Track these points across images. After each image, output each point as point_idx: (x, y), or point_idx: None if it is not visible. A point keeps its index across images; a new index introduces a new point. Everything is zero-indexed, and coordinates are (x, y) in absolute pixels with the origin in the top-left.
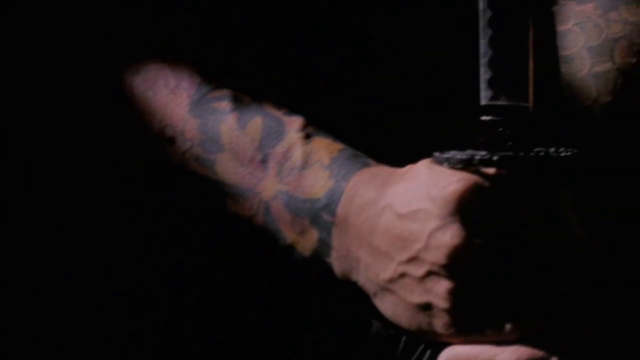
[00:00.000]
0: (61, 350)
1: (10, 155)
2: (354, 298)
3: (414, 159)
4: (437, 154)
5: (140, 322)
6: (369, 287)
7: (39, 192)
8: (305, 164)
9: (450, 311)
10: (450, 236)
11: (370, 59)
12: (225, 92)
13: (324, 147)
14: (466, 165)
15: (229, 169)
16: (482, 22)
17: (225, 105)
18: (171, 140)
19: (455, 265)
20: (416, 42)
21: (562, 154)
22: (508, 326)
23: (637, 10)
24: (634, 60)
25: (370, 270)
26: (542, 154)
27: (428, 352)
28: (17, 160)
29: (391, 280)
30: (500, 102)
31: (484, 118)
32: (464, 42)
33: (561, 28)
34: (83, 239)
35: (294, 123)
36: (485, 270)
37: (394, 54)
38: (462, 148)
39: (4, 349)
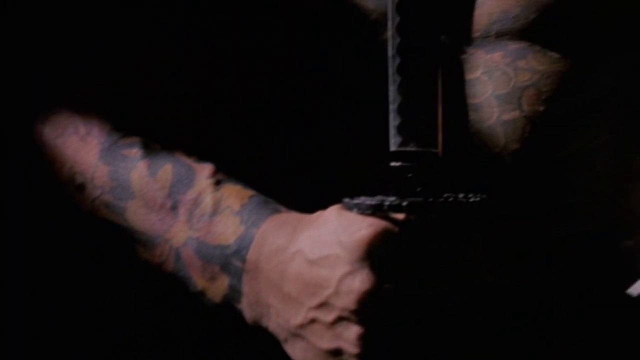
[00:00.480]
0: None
1: None
2: None
3: (324, 205)
4: (346, 199)
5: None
6: (280, 333)
7: None
8: (215, 211)
9: (360, 356)
10: (360, 281)
11: (275, 105)
12: (136, 140)
13: (235, 194)
14: (375, 211)
15: (140, 216)
16: (391, 69)
17: (135, 152)
18: (81, 187)
19: (365, 311)
20: (322, 87)
21: (471, 200)
22: None
23: (544, 58)
24: (541, 108)
25: (281, 316)
26: (451, 199)
27: None
28: None
29: (301, 326)
30: (409, 148)
31: (393, 164)
32: (373, 88)
33: (470, 76)
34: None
35: (204, 170)
36: (396, 315)
37: (301, 99)
38: (371, 194)
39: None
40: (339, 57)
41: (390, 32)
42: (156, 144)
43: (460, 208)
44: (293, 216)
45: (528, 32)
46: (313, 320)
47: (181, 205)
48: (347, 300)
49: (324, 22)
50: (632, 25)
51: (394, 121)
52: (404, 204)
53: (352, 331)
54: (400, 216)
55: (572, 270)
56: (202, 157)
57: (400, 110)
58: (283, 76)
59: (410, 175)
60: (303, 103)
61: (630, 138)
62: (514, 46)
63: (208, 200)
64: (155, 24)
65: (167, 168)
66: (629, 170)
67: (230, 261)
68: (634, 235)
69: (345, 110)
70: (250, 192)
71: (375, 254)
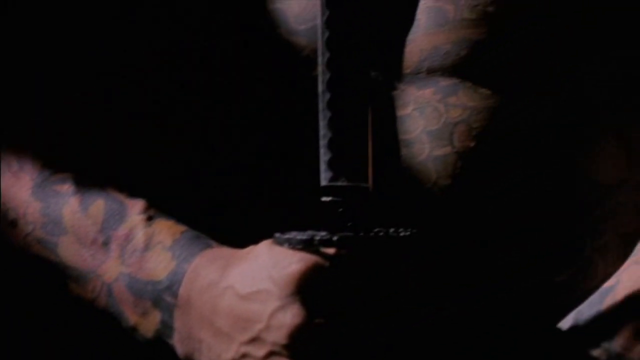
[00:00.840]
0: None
1: None
2: None
3: (255, 240)
4: (277, 234)
5: None
6: None
7: None
8: (147, 246)
9: None
10: (291, 316)
11: (208, 140)
12: (68, 175)
13: (166, 229)
14: (306, 246)
15: (71, 252)
16: (321, 104)
17: (67, 188)
18: (13, 223)
19: (296, 345)
20: (255, 122)
21: (402, 234)
22: None
23: (475, 95)
24: (472, 144)
25: (213, 352)
26: (381, 234)
27: None
28: None
29: None
30: (340, 183)
31: (324, 199)
32: (304, 123)
33: (401, 112)
34: None
35: (136, 206)
36: (327, 350)
37: (234, 134)
38: (302, 229)
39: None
40: (272, 92)
41: (320, 68)
42: (88, 179)
43: (391, 243)
44: (225, 251)
45: (459, 69)
46: (244, 355)
47: (113, 241)
48: (278, 335)
49: (257, 59)
50: (561, 61)
51: (324, 156)
52: (335, 238)
53: None
54: (331, 251)
55: (505, 304)
56: (135, 193)
57: (330, 146)
58: (218, 109)
59: (340, 210)
60: (234, 139)
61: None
62: (445, 82)
63: (140, 235)
64: (88, 57)
65: (99, 204)
66: None
67: (162, 296)
68: (565, 270)
69: (276, 146)
70: (182, 227)
71: (306, 288)
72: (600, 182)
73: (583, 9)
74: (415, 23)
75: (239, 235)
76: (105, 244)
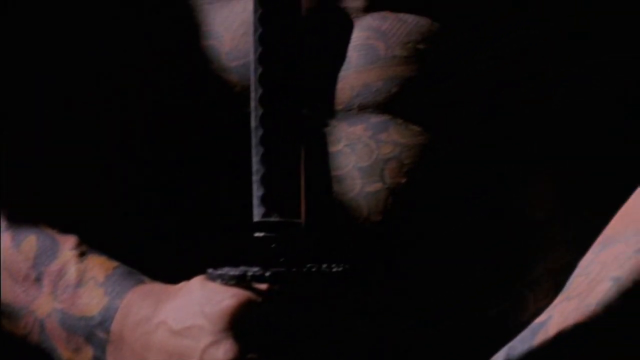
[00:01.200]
0: None
1: None
2: None
3: (188, 276)
4: (210, 270)
5: None
6: None
7: None
8: (79, 282)
9: None
10: (223, 352)
11: (141, 174)
12: None
13: (99, 265)
14: (239, 282)
15: (4, 288)
16: (254, 140)
17: None
18: None
19: None
20: (188, 157)
21: (334, 270)
22: None
23: (406, 131)
24: (403, 180)
25: None
26: (314, 269)
27: None
28: None
29: None
30: (272, 219)
31: (257, 235)
32: (237, 158)
33: (332, 149)
34: None
35: (68, 241)
36: None
37: (166, 169)
38: (235, 264)
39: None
40: (206, 129)
41: (253, 104)
42: (20, 215)
43: (323, 278)
44: (157, 287)
45: (390, 106)
46: None
47: (45, 277)
48: None
49: (190, 96)
50: (491, 98)
51: (257, 192)
52: (267, 274)
53: None
54: (263, 286)
55: (438, 338)
56: (67, 229)
57: (263, 181)
58: (152, 146)
59: (273, 245)
60: (168, 174)
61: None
62: (376, 119)
63: (72, 271)
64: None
65: (31, 239)
66: None
67: (95, 332)
68: (497, 305)
69: (209, 182)
70: (114, 263)
71: (238, 324)
72: (530, 218)
73: (513, 50)
74: (347, 60)
75: (172, 271)
76: (38, 279)
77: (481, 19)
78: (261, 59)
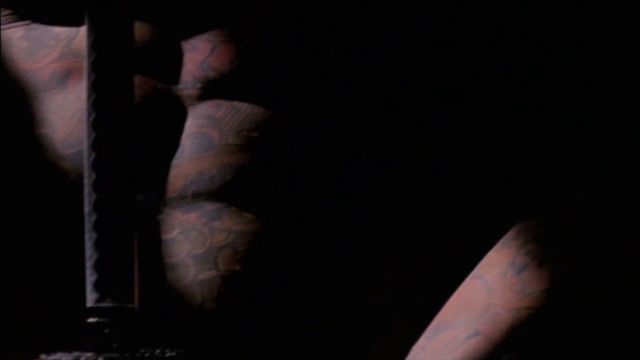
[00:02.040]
0: None
1: None
2: None
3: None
4: (44, 356)
5: None
6: None
7: None
8: None
9: None
10: None
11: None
12: None
13: None
14: None
15: None
16: (87, 225)
17: None
18: None
19: None
20: (21, 241)
21: (167, 355)
22: None
23: (240, 219)
24: (237, 267)
25: None
26: (147, 355)
27: None
28: None
29: None
30: (106, 304)
31: (90, 320)
32: (72, 244)
33: (166, 236)
34: None
35: None
36: None
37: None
38: (69, 350)
39: None
40: (41, 214)
41: (86, 189)
42: None
43: None
44: None
45: (224, 194)
46: None
47: None
48: None
49: (25, 183)
50: (324, 185)
51: (90, 277)
52: (100, 359)
53: None
54: None
55: None
56: None
57: (96, 267)
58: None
59: (107, 330)
60: (4, 257)
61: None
62: (210, 207)
63: None
64: None
65: None
66: None
67: None
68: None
69: (43, 266)
70: None
71: None
72: (366, 303)
73: (343, 135)
74: (181, 148)
75: (6, 356)
76: None
77: (312, 108)
78: (94, 145)
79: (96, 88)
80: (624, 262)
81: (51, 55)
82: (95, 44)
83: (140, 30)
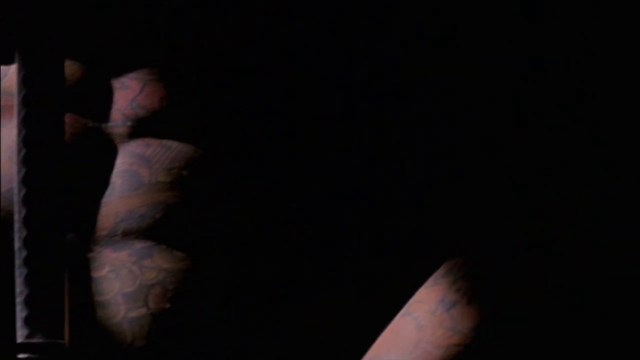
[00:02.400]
0: None
1: None
2: None
3: None
4: None
5: None
6: None
7: None
8: None
9: None
10: None
11: None
12: None
13: None
14: None
15: None
16: (17, 261)
17: None
18: None
19: None
20: None
21: None
22: None
23: (170, 257)
24: (167, 305)
25: None
26: None
27: None
28: None
29: None
30: (36, 340)
31: (20, 356)
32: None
33: (97, 274)
34: None
35: None
36: None
37: None
38: None
39: None
40: None
41: (16, 226)
42: None
43: None
44: None
45: (154, 232)
46: None
47: None
48: None
49: None
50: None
51: (20, 313)
52: None
53: None
54: None
55: None
56: None
57: (27, 302)
58: None
59: None
60: None
61: None
62: (140, 245)
63: None
64: None
65: None
66: None
67: None
68: None
69: None
70: None
71: None
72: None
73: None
74: (111, 186)
75: None
76: None
77: (242, 147)
78: (25, 181)
79: (26, 124)
80: (553, 298)
81: None
82: (26, 80)
83: (70, 67)
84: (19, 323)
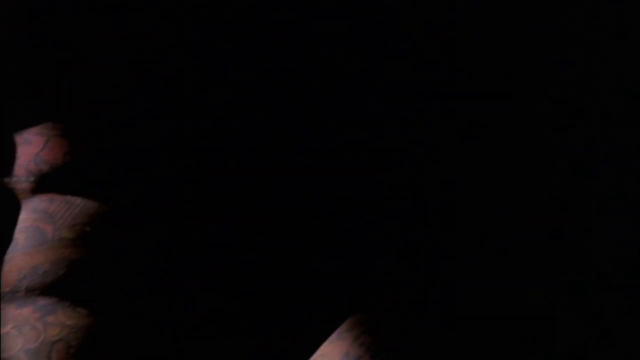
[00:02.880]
0: None
1: None
2: None
3: None
4: None
5: None
6: None
7: None
8: None
9: None
10: None
11: None
12: None
13: None
14: None
15: None
16: None
17: None
18: None
19: None
20: None
21: None
22: None
23: (74, 313)
24: None
25: None
26: None
27: None
28: None
29: None
30: None
31: None
32: None
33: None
34: None
35: None
36: None
37: None
38: None
39: None
40: None
41: None
42: None
43: None
44: None
45: (58, 288)
46: None
47: None
48: None
49: None
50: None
51: None
52: None
53: None
54: None
55: None
56: None
57: None
58: None
59: None
60: None
61: None
62: (44, 302)
63: None
64: None
65: None
66: None
67: None
68: None
69: None
70: None
71: None
72: None
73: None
74: (14, 242)
75: None
76: None
77: (148, 199)
78: None
79: None
80: (458, 354)
81: None
82: None
83: None
84: None
